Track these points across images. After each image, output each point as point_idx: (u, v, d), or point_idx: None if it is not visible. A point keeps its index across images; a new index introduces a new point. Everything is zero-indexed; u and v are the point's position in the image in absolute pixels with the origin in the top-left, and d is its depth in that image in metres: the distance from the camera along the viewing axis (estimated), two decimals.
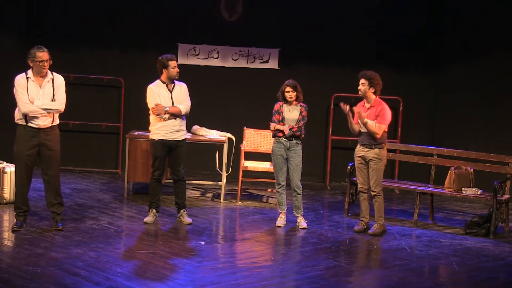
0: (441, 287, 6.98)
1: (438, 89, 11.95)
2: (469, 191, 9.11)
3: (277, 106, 8.83)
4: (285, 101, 8.80)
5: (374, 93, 8.56)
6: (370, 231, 8.63)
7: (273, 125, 8.81)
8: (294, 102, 8.78)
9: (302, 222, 8.83)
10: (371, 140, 8.53)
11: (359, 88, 8.55)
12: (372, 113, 8.51)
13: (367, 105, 8.58)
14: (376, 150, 8.54)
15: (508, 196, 9.00)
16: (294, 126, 8.72)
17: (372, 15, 11.89)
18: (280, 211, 8.93)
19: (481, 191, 9.11)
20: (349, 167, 9.65)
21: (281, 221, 8.88)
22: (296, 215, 8.89)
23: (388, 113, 8.54)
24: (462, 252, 8.07)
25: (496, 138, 10.99)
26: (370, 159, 8.56)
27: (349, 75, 11.91)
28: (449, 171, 9.32)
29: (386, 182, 8.99)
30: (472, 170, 9.27)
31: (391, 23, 11.87)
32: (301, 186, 8.83)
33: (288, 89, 8.74)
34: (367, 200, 8.77)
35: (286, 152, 8.77)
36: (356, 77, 11.71)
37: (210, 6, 11.91)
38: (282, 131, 8.74)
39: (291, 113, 8.76)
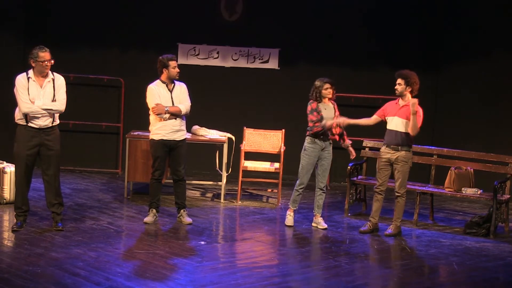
0: (441, 287, 6.98)
1: (438, 89, 11.95)
2: (469, 191, 9.11)
3: (314, 105, 8.69)
4: (319, 100, 8.73)
5: (411, 92, 8.55)
6: (387, 232, 8.62)
7: (330, 123, 8.60)
8: (326, 100, 8.75)
9: (322, 223, 8.83)
10: (399, 141, 8.49)
11: (395, 88, 8.53)
12: (404, 112, 8.49)
13: (401, 103, 8.54)
14: (403, 152, 8.51)
15: (508, 196, 9.00)
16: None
17: (372, 15, 11.90)
18: (292, 207, 8.88)
19: (481, 191, 9.11)
20: (349, 167, 9.65)
21: (290, 219, 8.86)
22: (316, 214, 8.87)
23: (421, 116, 8.53)
24: (462, 252, 8.07)
25: (496, 138, 10.99)
26: (396, 162, 8.53)
27: (349, 75, 11.96)
28: (449, 171, 9.32)
29: None
30: (472, 170, 9.27)
31: (391, 23, 11.87)
32: None
33: (327, 85, 8.67)
34: (380, 202, 8.75)
35: (320, 152, 8.75)
36: (356, 77, 11.85)
37: (210, 6, 11.91)
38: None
39: (328, 111, 8.70)
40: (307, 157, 8.75)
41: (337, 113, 8.79)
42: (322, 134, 8.68)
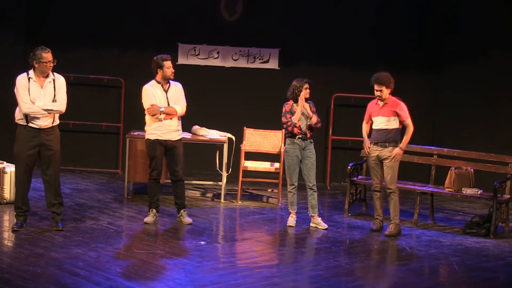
0: (441, 287, 6.98)
1: (438, 89, 11.96)
2: (469, 191, 9.11)
3: (288, 106, 8.78)
4: (295, 100, 8.76)
5: (390, 92, 8.72)
6: (386, 232, 8.64)
7: (293, 118, 8.67)
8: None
9: (322, 223, 8.83)
10: (385, 138, 8.62)
11: (377, 95, 8.64)
12: (387, 110, 8.63)
13: (381, 103, 8.69)
14: (390, 148, 8.63)
15: (508, 196, 9.00)
16: (314, 119, 8.76)
17: (372, 15, 11.90)
18: (291, 211, 8.92)
19: (481, 191, 9.11)
20: (349, 167, 9.66)
21: (292, 220, 8.88)
22: (312, 215, 8.87)
23: (406, 108, 8.71)
24: (462, 252, 8.07)
25: (496, 138, 10.99)
26: (385, 158, 8.63)
27: (349, 75, 11.96)
28: (449, 171, 9.32)
29: None
30: (472, 170, 9.27)
31: (391, 23, 11.88)
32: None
33: (307, 85, 8.72)
34: (381, 199, 8.83)
35: (301, 152, 8.76)
36: (356, 77, 11.84)
37: (210, 6, 11.91)
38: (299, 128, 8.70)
39: (303, 113, 8.75)
40: (288, 158, 8.80)
41: (313, 109, 8.82)
42: (301, 134, 8.72)
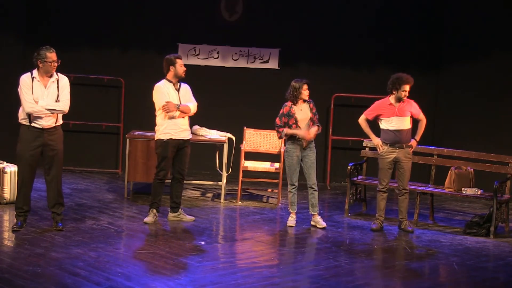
0: (441, 287, 6.98)
1: (438, 88, 11.96)
2: (469, 191, 9.12)
3: (286, 108, 8.76)
4: (293, 101, 8.76)
5: None
6: (410, 229, 8.80)
7: (286, 131, 8.68)
8: (301, 101, 8.76)
9: (321, 221, 8.85)
10: (402, 139, 8.71)
11: (406, 95, 8.69)
12: (403, 110, 8.71)
13: (397, 104, 8.73)
14: (408, 149, 8.77)
15: (508, 196, 9.01)
16: (317, 127, 8.78)
17: (372, 15, 11.90)
18: (291, 211, 8.93)
19: (481, 191, 9.11)
20: (349, 167, 9.66)
21: (292, 220, 8.89)
22: (313, 213, 8.88)
23: (418, 108, 8.92)
24: (462, 252, 8.07)
25: (496, 138, 10.99)
26: (402, 159, 8.74)
27: (349, 75, 11.97)
28: (449, 171, 9.32)
29: None
30: (472, 170, 9.27)
31: (391, 23, 11.88)
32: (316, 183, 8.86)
33: (306, 87, 8.73)
34: (386, 199, 8.92)
35: (302, 151, 8.76)
36: (356, 77, 11.84)
37: (210, 6, 11.92)
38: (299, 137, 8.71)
39: (303, 112, 8.75)
40: (289, 158, 8.81)
41: (314, 110, 8.83)
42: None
